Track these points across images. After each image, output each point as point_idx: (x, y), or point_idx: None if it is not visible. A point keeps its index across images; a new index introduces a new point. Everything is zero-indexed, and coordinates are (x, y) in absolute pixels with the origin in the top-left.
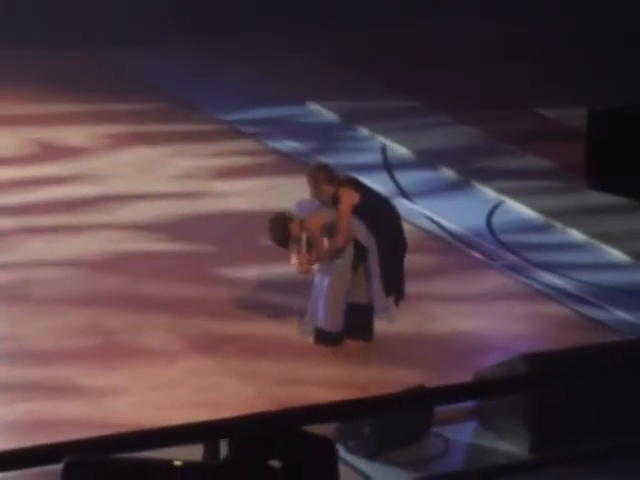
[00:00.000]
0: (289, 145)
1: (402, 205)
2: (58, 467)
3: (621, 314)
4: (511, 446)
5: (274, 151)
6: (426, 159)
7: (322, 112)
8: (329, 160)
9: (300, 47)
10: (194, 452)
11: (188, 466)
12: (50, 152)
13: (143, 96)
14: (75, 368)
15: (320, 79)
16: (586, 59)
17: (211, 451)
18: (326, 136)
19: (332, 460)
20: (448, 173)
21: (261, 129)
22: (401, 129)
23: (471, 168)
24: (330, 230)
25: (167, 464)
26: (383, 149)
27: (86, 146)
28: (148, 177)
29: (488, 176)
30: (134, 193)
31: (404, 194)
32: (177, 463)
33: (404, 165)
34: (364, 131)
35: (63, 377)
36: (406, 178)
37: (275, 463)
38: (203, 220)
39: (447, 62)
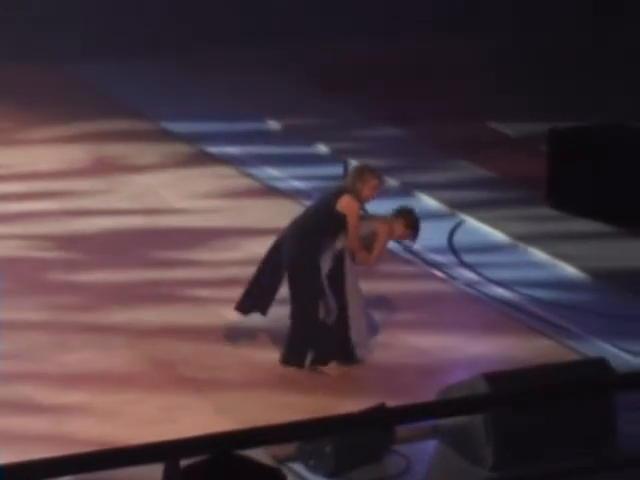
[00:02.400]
0: (253, 164)
1: None
2: None
3: (581, 333)
4: (472, 465)
5: (245, 175)
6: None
7: (283, 129)
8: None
9: (268, 63)
10: (155, 471)
11: None
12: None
13: (109, 112)
14: (36, 387)
15: (285, 97)
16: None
17: (171, 470)
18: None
19: None
20: (395, 184)
21: (223, 146)
22: (366, 145)
23: (419, 181)
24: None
25: None
26: (345, 163)
27: (48, 161)
28: (108, 195)
29: (438, 187)
30: (92, 209)
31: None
32: None
33: None
34: (323, 147)
35: (25, 396)
36: None
37: None
38: (169, 233)
39: (407, 78)
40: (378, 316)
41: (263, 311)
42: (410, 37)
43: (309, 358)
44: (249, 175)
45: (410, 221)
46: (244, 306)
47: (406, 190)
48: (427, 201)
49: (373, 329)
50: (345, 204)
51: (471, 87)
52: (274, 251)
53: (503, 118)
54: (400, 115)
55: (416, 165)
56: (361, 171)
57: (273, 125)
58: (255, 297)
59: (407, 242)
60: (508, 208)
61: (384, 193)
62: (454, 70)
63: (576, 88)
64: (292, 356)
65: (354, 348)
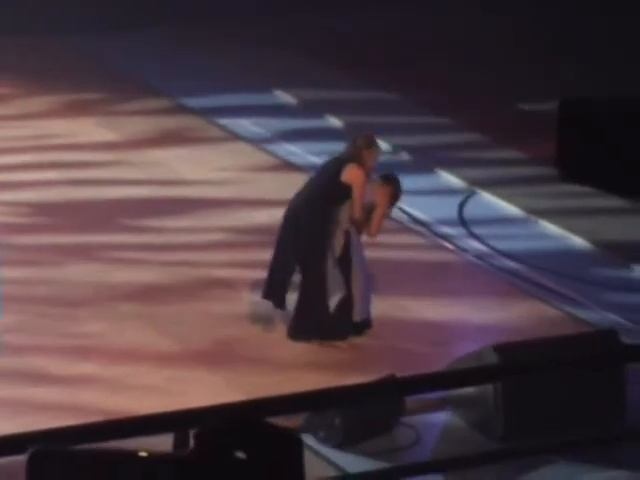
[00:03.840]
0: (254, 131)
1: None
2: (23, 457)
3: (591, 304)
4: (482, 436)
5: (258, 149)
6: (394, 147)
7: (288, 100)
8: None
9: (269, 35)
10: (165, 442)
11: (153, 457)
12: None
13: (113, 83)
14: (46, 358)
15: (287, 68)
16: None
17: (181, 441)
18: (290, 123)
19: (297, 452)
20: (409, 158)
21: (228, 116)
22: (371, 119)
23: (440, 157)
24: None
25: (132, 455)
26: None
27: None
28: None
29: (457, 165)
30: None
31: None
32: (142, 454)
33: None
34: (332, 120)
35: (35, 367)
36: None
37: (241, 455)
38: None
39: (416, 53)
40: (388, 287)
41: (281, 305)
42: (426, 8)
43: (316, 334)
44: (262, 149)
45: (396, 189)
46: (265, 292)
47: (423, 165)
48: (442, 175)
49: (382, 300)
50: (352, 174)
51: (487, 61)
52: (286, 231)
53: (516, 93)
54: (426, 96)
55: (430, 140)
56: (368, 140)
57: (286, 98)
58: (272, 287)
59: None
60: (519, 183)
61: (400, 167)
62: (476, 44)
63: (588, 65)
64: (299, 331)
65: (358, 320)
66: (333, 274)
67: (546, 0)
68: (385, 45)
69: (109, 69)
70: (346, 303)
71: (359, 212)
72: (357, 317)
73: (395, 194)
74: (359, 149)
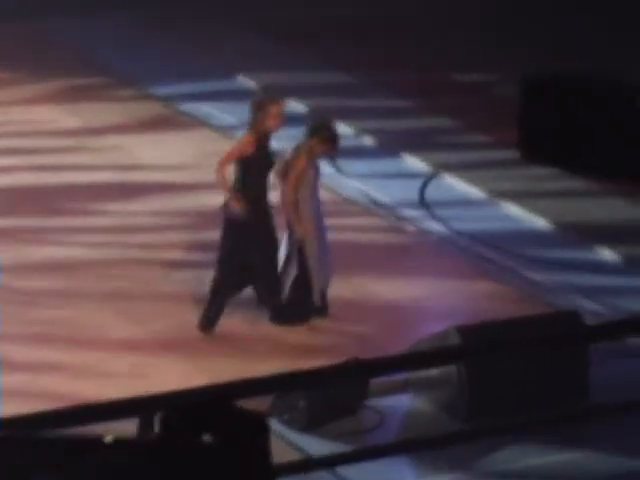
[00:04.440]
0: (218, 117)
1: (336, 179)
2: None
3: (553, 285)
4: (446, 417)
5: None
6: (358, 132)
7: (251, 85)
8: None
9: (232, 20)
10: (130, 426)
11: (119, 442)
12: None
13: (80, 69)
14: (7, 345)
15: (250, 52)
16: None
17: (146, 425)
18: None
19: (264, 435)
20: (373, 143)
21: (191, 101)
22: (334, 103)
23: (400, 138)
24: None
25: (97, 440)
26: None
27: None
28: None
29: (419, 147)
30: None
31: (338, 169)
32: (108, 439)
33: None
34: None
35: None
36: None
37: (207, 438)
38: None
39: (374, 31)
40: (350, 270)
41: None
42: None
43: (277, 319)
44: (226, 136)
45: (326, 134)
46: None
47: (386, 149)
48: (406, 159)
49: (343, 282)
50: (242, 142)
51: (442, 38)
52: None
53: (470, 68)
54: (374, 72)
55: (394, 124)
56: (259, 102)
57: (249, 83)
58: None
59: (330, 158)
60: (483, 166)
61: (364, 152)
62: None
63: (548, 36)
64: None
65: (316, 303)
66: (283, 257)
67: None
68: (349, 28)
69: (73, 54)
70: (304, 286)
71: (220, 170)
72: (317, 301)
73: (327, 139)
74: (254, 113)
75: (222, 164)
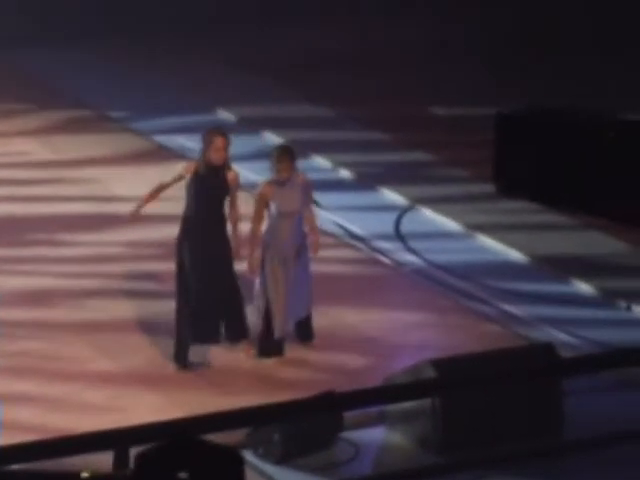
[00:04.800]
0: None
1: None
2: None
3: (527, 318)
4: (420, 450)
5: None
6: (335, 165)
7: (227, 117)
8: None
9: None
10: (104, 460)
11: (95, 477)
12: None
13: (55, 103)
14: None
15: (229, 85)
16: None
17: (121, 458)
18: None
19: (239, 470)
20: (350, 176)
21: (167, 134)
22: (310, 135)
23: (376, 172)
24: None
25: (74, 476)
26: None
27: None
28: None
29: (394, 180)
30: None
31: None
32: (84, 474)
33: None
34: (269, 136)
35: None
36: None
37: (183, 475)
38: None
39: (353, 64)
40: (325, 301)
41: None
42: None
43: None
44: None
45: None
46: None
47: (363, 182)
48: (382, 192)
49: (319, 313)
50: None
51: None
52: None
53: (446, 102)
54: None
55: (372, 158)
56: (205, 134)
57: (225, 115)
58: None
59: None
60: (457, 196)
61: (341, 185)
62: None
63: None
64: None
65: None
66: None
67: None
68: (328, 61)
69: (46, 87)
70: (268, 320)
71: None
72: (277, 334)
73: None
74: (202, 146)
75: (156, 189)
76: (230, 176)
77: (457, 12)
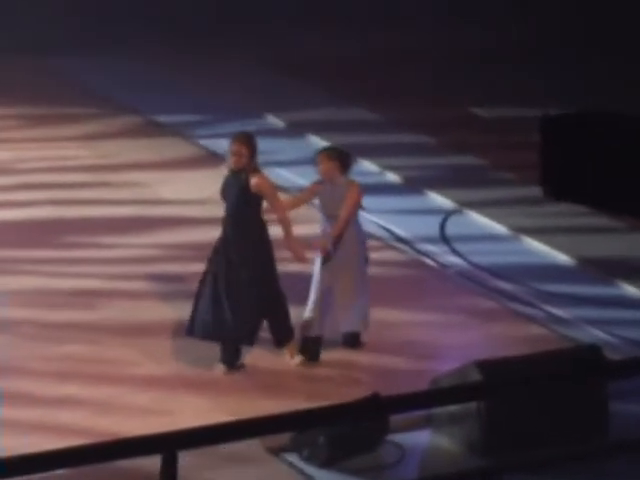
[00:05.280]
0: None
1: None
2: None
3: (574, 320)
4: (466, 453)
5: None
6: (382, 168)
7: (273, 122)
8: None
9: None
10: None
11: None
12: None
13: (101, 109)
14: (26, 380)
15: (271, 90)
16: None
17: (168, 462)
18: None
19: None
20: (397, 179)
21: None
22: (355, 139)
23: (422, 175)
24: None
25: None
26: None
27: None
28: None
29: (440, 183)
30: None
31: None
32: None
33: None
34: (315, 140)
35: (16, 389)
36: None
37: None
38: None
39: (399, 67)
40: (371, 306)
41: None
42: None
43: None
44: None
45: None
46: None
47: (409, 186)
48: (429, 195)
49: (364, 318)
50: (257, 182)
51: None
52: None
53: (488, 104)
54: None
55: (419, 162)
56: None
57: (273, 121)
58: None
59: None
60: (502, 199)
61: (388, 189)
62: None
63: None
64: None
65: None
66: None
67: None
68: (373, 64)
69: (92, 93)
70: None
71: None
72: (313, 331)
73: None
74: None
75: None
76: (253, 182)
77: (500, 13)
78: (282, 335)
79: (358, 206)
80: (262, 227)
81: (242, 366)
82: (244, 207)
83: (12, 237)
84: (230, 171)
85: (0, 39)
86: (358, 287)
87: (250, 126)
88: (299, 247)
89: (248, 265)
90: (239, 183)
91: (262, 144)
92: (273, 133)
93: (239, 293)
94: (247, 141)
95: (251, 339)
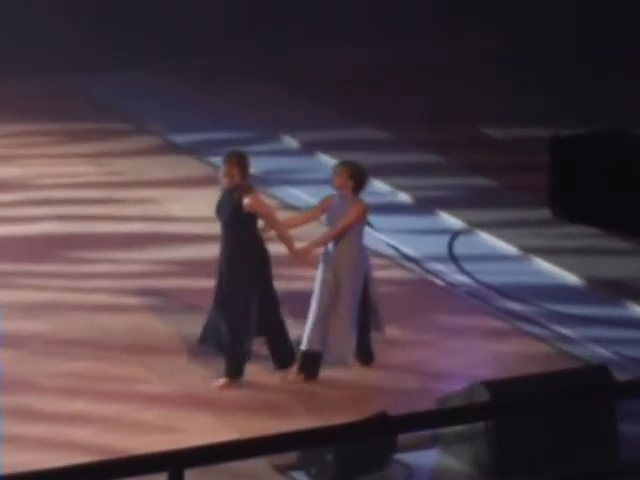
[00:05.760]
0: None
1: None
2: None
3: (582, 340)
4: (474, 472)
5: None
6: (394, 187)
7: (287, 141)
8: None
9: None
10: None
11: None
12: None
13: (109, 125)
14: (35, 396)
15: (287, 110)
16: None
17: None
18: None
19: None
20: (408, 199)
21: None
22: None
23: (430, 194)
24: None
25: None
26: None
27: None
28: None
29: (451, 203)
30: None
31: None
32: None
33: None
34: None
35: (24, 405)
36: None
37: None
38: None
39: (409, 87)
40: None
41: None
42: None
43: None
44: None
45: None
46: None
47: (420, 206)
48: (439, 215)
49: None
50: (250, 201)
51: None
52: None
53: (495, 123)
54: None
55: (429, 182)
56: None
57: (288, 141)
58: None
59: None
60: (513, 220)
61: (399, 209)
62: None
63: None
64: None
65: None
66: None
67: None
68: (384, 84)
69: (106, 109)
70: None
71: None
72: (304, 346)
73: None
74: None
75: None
76: (245, 202)
77: (510, 29)
78: (283, 358)
79: (355, 225)
80: (258, 245)
81: (240, 384)
82: (239, 225)
83: (22, 252)
84: (224, 190)
85: (18, 57)
86: (348, 312)
87: (264, 145)
88: (303, 252)
89: (245, 283)
90: (232, 202)
91: (276, 163)
92: (287, 153)
93: (236, 310)
94: (238, 161)
95: (244, 350)
